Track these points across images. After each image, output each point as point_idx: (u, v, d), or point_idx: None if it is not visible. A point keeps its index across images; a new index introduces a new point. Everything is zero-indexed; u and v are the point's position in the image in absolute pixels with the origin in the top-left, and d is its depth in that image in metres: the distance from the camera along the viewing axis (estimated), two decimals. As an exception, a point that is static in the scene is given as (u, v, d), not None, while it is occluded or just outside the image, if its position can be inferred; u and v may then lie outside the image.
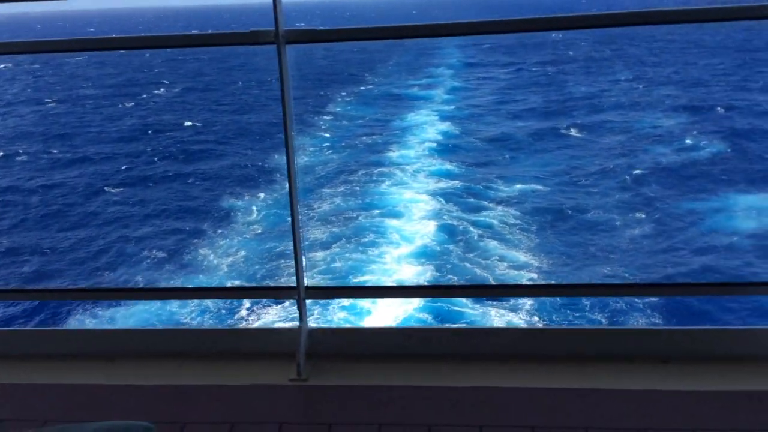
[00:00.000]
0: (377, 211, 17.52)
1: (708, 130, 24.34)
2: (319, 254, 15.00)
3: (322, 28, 2.18)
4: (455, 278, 13.63)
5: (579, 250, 15.17)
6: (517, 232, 16.02)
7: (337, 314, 12.00)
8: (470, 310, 11.98)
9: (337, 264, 14.44)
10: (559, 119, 28.13)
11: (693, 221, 16.54)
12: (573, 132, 25.94)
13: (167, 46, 2.36)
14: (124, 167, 23.80)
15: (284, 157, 2.37)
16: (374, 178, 20.50)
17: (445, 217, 17.01)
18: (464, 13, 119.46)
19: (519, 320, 11.78)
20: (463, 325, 10.68)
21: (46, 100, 38.15)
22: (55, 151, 26.28)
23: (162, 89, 41.05)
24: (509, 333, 2.56)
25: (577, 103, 31.24)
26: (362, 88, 38.76)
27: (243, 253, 15.58)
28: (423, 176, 20.59)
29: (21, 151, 26.44)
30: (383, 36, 2.28)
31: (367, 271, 14.08)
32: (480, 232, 15.97)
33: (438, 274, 13.79)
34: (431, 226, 16.38)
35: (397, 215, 17.27)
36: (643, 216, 16.96)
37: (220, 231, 17.17)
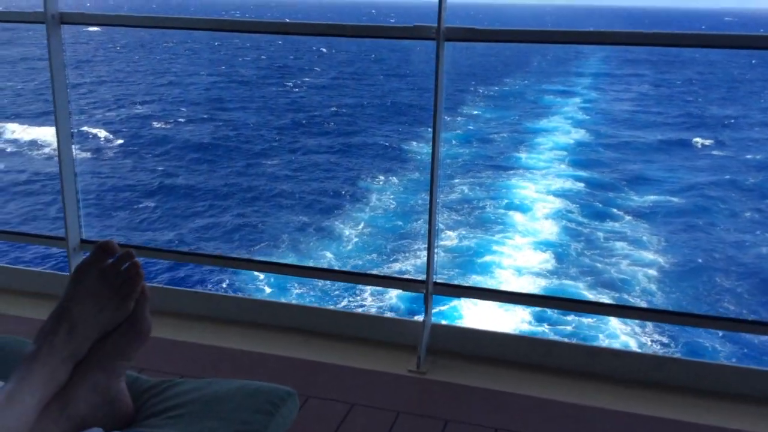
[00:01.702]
0: (503, 203, 18.42)
1: None
2: (444, 236, 16.08)
3: (482, 27, 2.24)
4: (574, 270, 14.30)
5: (705, 255, 15.38)
6: (645, 234, 16.48)
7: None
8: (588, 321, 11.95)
9: (462, 243, 15.54)
10: (697, 133, 27.81)
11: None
12: (710, 146, 25.61)
13: (333, 34, 2.47)
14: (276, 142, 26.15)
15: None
16: (502, 176, 21.39)
17: (570, 217, 17.66)
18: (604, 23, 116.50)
19: (649, 342, 11.65)
20: (589, 343, 10.68)
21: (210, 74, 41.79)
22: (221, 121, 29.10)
23: (312, 76, 43.76)
24: (636, 357, 2.44)
25: (717, 121, 30.55)
26: (498, 88, 39.48)
27: (371, 228, 16.92)
28: (551, 177, 21.22)
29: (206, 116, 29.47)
30: (540, 40, 2.35)
31: (489, 252, 15.09)
32: (605, 234, 16.54)
33: (558, 264, 14.55)
34: (555, 224, 17.11)
35: (522, 209, 18.03)
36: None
37: (357, 205, 18.69)
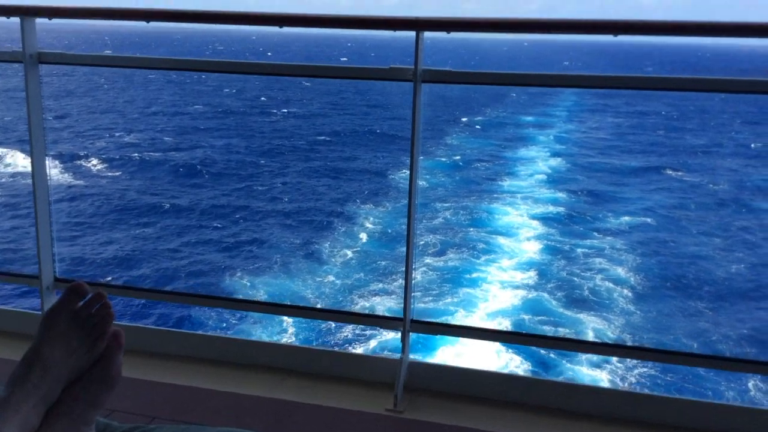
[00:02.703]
0: (486, 229, 19.25)
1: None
2: (428, 259, 16.79)
3: (458, 70, 2.27)
4: (553, 286, 15.09)
5: (676, 279, 16.26)
6: (621, 254, 17.39)
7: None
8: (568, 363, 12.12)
9: (449, 263, 16.27)
10: (669, 162, 29.15)
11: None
12: (681, 175, 26.83)
13: (312, 75, 2.49)
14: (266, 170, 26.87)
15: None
16: (485, 202, 22.28)
17: (551, 239, 18.54)
18: (585, 57, 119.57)
19: (629, 379, 11.80)
20: (568, 380, 10.35)
21: (196, 106, 42.57)
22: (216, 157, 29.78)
23: (295, 108, 44.77)
24: (613, 394, 2.47)
25: (690, 151, 31.97)
26: (479, 119, 40.78)
27: (357, 250, 17.51)
28: (531, 202, 22.16)
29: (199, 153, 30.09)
30: (514, 82, 2.40)
31: (474, 270, 15.83)
32: (585, 251, 17.52)
33: (538, 279, 15.35)
34: (537, 245, 17.96)
35: (505, 233, 18.89)
36: (741, 256, 17.80)
37: (343, 230, 19.35)
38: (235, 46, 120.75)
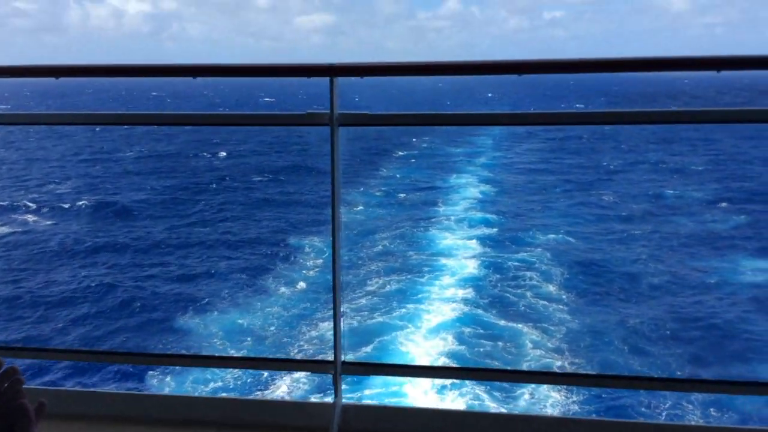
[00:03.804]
0: (426, 252, 20.35)
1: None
2: (373, 286, 17.64)
3: (374, 113, 2.29)
4: (489, 307, 16.18)
5: (601, 290, 17.64)
6: (549, 269, 18.76)
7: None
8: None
9: (388, 287, 17.24)
10: (591, 185, 31.22)
11: (701, 277, 18.93)
12: (604, 197, 28.78)
13: (232, 124, 2.45)
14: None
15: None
16: (422, 226, 23.45)
17: (486, 256, 19.78)
18: (505, 91, 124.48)
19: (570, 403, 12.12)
20: (500, 411, 10.93)
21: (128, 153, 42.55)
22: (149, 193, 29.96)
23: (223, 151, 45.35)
24: (544, 421, 2.52)
25: (610, 175, 34.26)
26: (409, 152, 42.39)
27: (303, 284, 18.07)
28: (466, 225, 23.54)
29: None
30: (432, 123, 2.43)
31: (416, 290, 16.85)
32: (517, 264, 18.91)
33: (476, 294, 16.45)
34: (474, 263, 19.16)
35: (443, 254, 20.07)
36: (662, 267, 19.40)
37: (286, 265, 20.01)
38: (171, 96, 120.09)
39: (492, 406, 11.69)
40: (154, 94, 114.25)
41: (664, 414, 11.65)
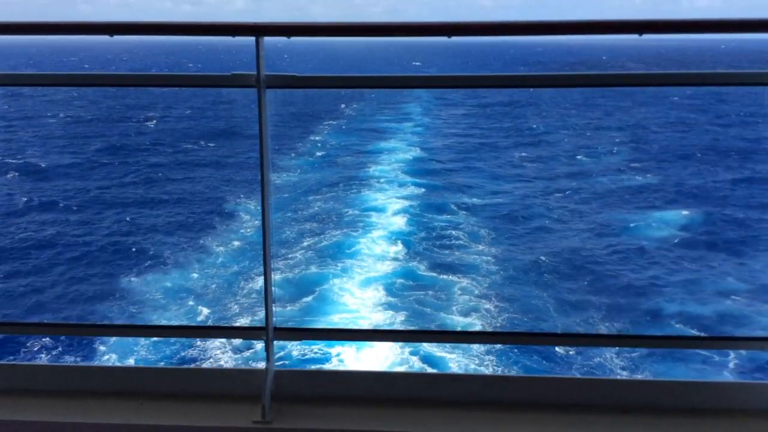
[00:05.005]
0: (358, 211, 21.29)
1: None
2: (309, 241, 18.44)
3: (302, 74, 2.21)
4: (419, 261, 17.30)
5: (526, 243, 19.05)
6: (476, 227, 20.05)
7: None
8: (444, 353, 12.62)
9: (329, 241, 18.13)
10: (516, 148, 32.93)
11: (617, 228, 20.70)
12: (527, 160, 30.48)
13: (155, 85, 2.37)
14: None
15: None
16: (354, 188, 24.37)
17: (415, 214, 20.93)
18: (432, 55, 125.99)
19: (490, 364, 12.34)
20: (432, 370, 11.03)
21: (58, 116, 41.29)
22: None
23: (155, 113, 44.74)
24: (474, 380, 2.57)
25: (534, 138, 36.05)
26: (339, 119, 43.00)
27: (238, 243, 18.66)
28: (396, 185, 24.65)
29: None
30: (361, 85, 2.39)
31: (349, 247, 17.81)
32: (443, 224, 20.06)
33: (406, 251, 17.57)
34: (403, 219, 20.30)
35: (375, 210, 21.19)
36: (580, 224, 21.06)
37: (224, 226, 20.53)
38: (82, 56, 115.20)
39: (425, 366, 11.96)
40: (74, 59, 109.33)
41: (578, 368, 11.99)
